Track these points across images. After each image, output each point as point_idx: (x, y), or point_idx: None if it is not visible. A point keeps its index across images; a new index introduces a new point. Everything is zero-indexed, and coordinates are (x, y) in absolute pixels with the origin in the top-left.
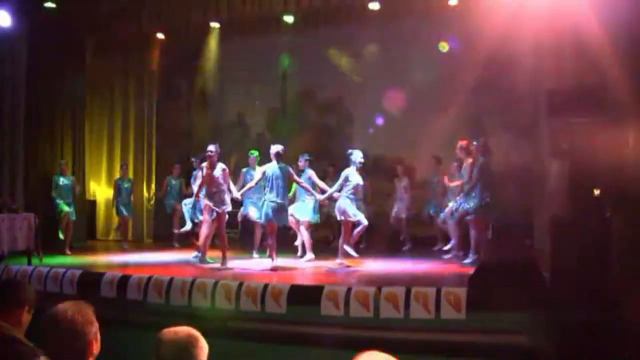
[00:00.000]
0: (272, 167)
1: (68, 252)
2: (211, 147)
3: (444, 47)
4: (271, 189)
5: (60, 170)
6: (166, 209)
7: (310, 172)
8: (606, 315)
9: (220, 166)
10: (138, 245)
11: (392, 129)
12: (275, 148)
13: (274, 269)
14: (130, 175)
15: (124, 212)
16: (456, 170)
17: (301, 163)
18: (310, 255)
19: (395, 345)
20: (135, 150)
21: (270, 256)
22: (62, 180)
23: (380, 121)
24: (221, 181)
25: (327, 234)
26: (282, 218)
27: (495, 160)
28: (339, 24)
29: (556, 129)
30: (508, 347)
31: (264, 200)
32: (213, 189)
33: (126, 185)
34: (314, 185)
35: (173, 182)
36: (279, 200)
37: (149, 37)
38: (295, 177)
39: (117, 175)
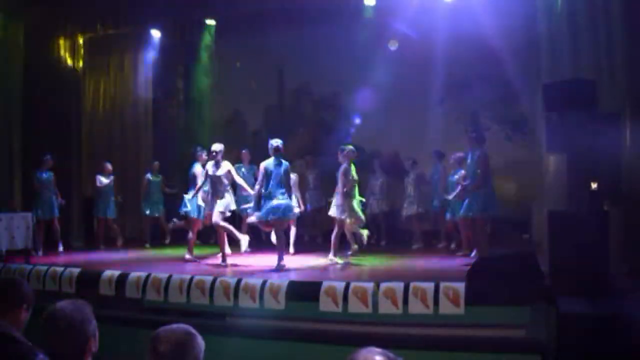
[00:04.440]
0: (269, 163)
1: (60, 249)
2: (215, 147)
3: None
4: (267, 186)
5: (43, 165)
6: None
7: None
8: (605, 308)
9: (225, 165)
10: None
11: (389, 124)
12: (275, 143)
13: (281, 269)
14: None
15: (104, 213)
16: (457, 165)
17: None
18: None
19: (394, 341)
20: (132, 149)
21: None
22: (44, 175)
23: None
24: (225, 181)
25: (315, 233)
26: (276, 215)
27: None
28: (335, 20)
29: (553, 122)
30: (507, 342)
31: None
32: (215, 188)
33: (106, 182)
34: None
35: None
36: (276, 198)
37: (144, 34)
38: (290, 176)
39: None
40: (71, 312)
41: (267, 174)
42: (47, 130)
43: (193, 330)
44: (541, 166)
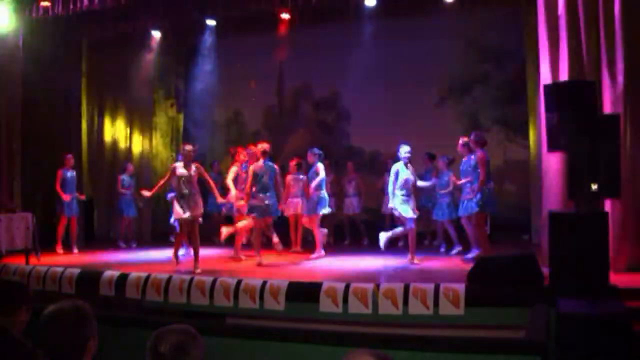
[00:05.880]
0: (257, 166)
1: (75, 250)
2: (188, 147)
3: None
4: (255, 186)
5: (66, 164)
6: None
7: (319, 166)
8: (605, 309)
9: (194, 166)
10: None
11: (388, 125)
12: (262, 146)
13: (259, 265)
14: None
15: (127, 212)
16: (444, 167)
17: (311, 158)
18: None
19: (394, 342)
20: (132, 149)
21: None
22: (68, 174)
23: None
24: (194, 183)
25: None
26: (263, 214)
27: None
28: (335, 21)
29: (553, 123)
30: (507, 343)
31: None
32: (185, 190)
33: (127, 184)
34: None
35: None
36: (265, 199)
37: (145, 35)
38: (278, 177)
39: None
40: (70, 313)
41: (255, 176)
42: (47, 131)
43: (193, 331)
44: (541, 166)
